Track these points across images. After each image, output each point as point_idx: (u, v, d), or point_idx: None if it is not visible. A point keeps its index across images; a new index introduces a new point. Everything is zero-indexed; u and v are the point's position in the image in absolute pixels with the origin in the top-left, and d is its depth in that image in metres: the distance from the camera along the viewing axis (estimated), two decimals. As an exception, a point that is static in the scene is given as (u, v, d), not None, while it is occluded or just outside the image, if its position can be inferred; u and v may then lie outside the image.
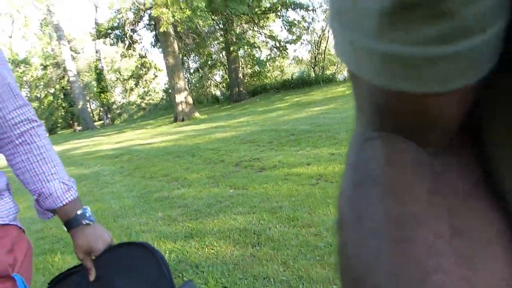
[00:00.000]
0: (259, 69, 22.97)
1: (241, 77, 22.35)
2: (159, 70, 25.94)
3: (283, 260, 2.29)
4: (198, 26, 15.93)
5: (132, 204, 4.27)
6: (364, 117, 0.30)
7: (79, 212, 0.95)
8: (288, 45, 23.04)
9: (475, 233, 0.23)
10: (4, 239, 0.86)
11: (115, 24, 19.65)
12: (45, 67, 36.66)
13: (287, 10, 21.44)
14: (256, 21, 21.97)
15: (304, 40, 23.64)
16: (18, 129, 0.92)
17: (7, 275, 0.85)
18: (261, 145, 6.58)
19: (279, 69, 26.29)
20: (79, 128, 33.98)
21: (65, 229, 0.97)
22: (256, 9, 20.52)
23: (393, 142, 0.27)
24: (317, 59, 23.65)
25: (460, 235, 0.23)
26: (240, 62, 22.04)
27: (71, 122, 38.60)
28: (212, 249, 2.64)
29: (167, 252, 2.69)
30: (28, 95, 41.52)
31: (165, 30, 15.49)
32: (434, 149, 0.27)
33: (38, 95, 40.17)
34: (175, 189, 4.60)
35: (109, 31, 20.18)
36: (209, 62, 25.36)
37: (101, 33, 20.23)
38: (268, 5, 20.84)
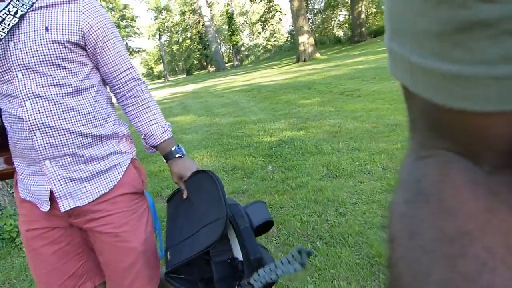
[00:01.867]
0: (381, 9, 22.75)
1: (364, 17, 22.64)
2: (284, 14, 27.53)
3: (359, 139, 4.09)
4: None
5: (264, 117, 6.39)
6: (418, 135, 0.30)
7: (173, 148, 1.26)
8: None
9: None
10: (139, 168, 1.27)
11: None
12: (183, 13, 41.21)
13: None
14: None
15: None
16: (128, 86, 1.22)
17: (142, 192, 1.26)
18: (364, 80, 8.06)
19: None
20: (212, 69, 38.28)
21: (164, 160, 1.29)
22: None
23: (447, 160, 0.27)
24: None
25: None
26: (362, 2, 22.25)
27: (205, 64, 43.34)
28: (312, 135, 4.55)
29: (287, 135, 4.70)
30: (169, 39, 47.42)
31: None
32: (490, 168, 0.26)
33: (177, 40, 45.66)
34: (293, 109, 6.58)
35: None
36: (332, 3, 25.87)
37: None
38: None
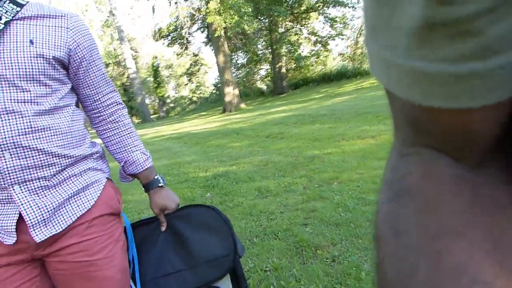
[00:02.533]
0: (299, 65, 25.17)
1: (284, 71, 24.75)
2: (209, 67, 29.03)
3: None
4: (245, 29, 18.49)
5: (197, 158, 6.91)
6: (399, 133, 0.31)
7: (156, 176, 1.22)
8: (329, 41, 25.10)
9: None
10: (115, 188, 1.16)
11: (173, 28, 22.82)
12: (107, 65, 41.13)
13: (328, 8, 23.46)
14: (298, 20, 24.25)
15: (344, 35, 25.44)
16: (110, 109, 1.16)
17: (119, 212, 1.15)
18: (287, 125, 9.04)
19: (322, 63, 28.32)
20: (137, 120, 38.09)
21: (144, 190, 1.22)
22: (298, 10, 22.80)
23: (429, 157, 0.28)
24: (355, 53, 25.45)
25: (500, 247, 0.23)
26: (283, 59, 24.43)
27: (130, 115, 42.94)
28: (243, 168, 5.16)
29: (216, 173, 5.26)
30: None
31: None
32: (472, 163, 0.27)
33: (100, 91, 44.87)
34: (224, 150, 7.20)
35: (168, 33, 23.44)
36: (255, 58, 27.93)
37: (160, 36, 23.56)
38: (312, 0, 23.02)
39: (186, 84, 38.22)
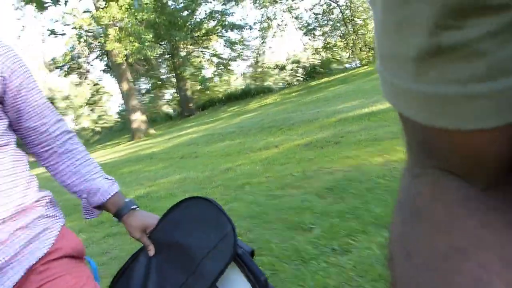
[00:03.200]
0: (204, 86, 25.97)
1: (190, 94, 25.28)
2: (111, 95, 28.41)
3: (195, 183, 5.27)
4: (147, 56, 18.71)
5: (114, 185, 7.07)
6: (411, 154, 0.31)
7: (126, 199, 1.09)
8: (231, 62, 26.36)
9: None
10: (73, 233, 1.05)
11: (70, 58, 22.02)
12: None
13: (227, 31, 24.71)
14: (199, 43, 25.11)
15: (245, 56, 26.90)
16: (60, 140, 1.04)
17: (83, 256, 1.04)
18: (199, 144, 9.56)
19: (226, 84, 29.45)
20: (32, 159, 35.22)
21: (115, 219, 1.08)
22: (198, 33, 23.66)
23: (439, 178, 0.28)
24: (257, 72, 27.06)
25: (510, 267, 0.23)
26: (187, 81, 24.98)
27: (28, 154, 39.49)
28: (163, 187, 5.55)
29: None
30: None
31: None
32: (483, 185, 0.27)
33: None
34: (140, 175, 7.46)
35: (63, 64, 22.55)
36: (159, 83, 28.07)
37: (55, 66, 22.58)
38: (211, 24, 24.03)
39: (88, 114, 36.58)
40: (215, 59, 26.63)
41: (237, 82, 29.98)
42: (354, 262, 2.17)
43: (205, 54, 26.48)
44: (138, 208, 1.11)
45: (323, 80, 19.35)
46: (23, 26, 23.64)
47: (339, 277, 2.07)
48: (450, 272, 0.24)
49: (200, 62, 26.12)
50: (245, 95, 23.29)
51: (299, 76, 24.20)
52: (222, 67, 26.81)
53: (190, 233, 1.05)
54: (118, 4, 17.27)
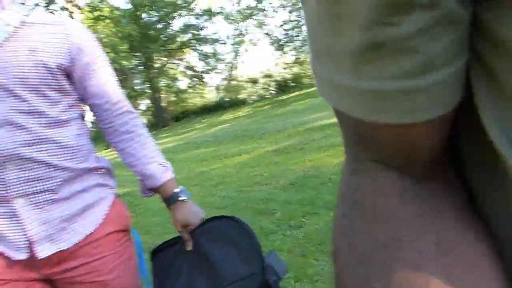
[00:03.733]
0: (179, 98, 26.44)
1: (165, 105, 25.68)
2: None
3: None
4: (122, 66, 19.09)
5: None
6: (350, 150, 0.32)
7: (176, 190, 1.12)
8: (204, 74, 27.00)
9: (462, 252, 0.25)
10: (123, 204, 1.14)
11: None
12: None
13: (200, 45, 25.37)
14: (173, 55, 25.65)
15: (218, 69, 27.59)
16: (121, 119, 1.08)
17: (129, 229, 1.12)
18: (175, 152, 10.07)
19: (200, 96, 29.99)
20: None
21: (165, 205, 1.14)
22: (172, 45, 24.22)
23: (376, 171, 0.29)
24: (230, 85, 27.81)
25: (446, 255, 0.24)
26: (161, 93, 25.40)
27: None
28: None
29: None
30: None
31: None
32: (418, 176, 0.28)
33: None
34: (120, 178, 7.89)
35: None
36: (133, 94, 28.33)
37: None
38: (186, 38, 24.64)
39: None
40: (189, 72, 27.21)
41: (211, 95, 30.61)
42: (304, 233, 2.82)
43: (179, 66, 27.04)
44: (187, 200, 1.13)
45: (294, 93, 20.20)
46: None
47: (292, 243, 2.71)
48: (389, 261, 0.25)
49: (174, 74, 26.63)
50: (219, 107, 23.89)
51: (272, 90, 25.06)
52: (196, 79, 27.40)
53: (224, 253, 1.06)
54: (93, 14, 17.66)
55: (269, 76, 26.59)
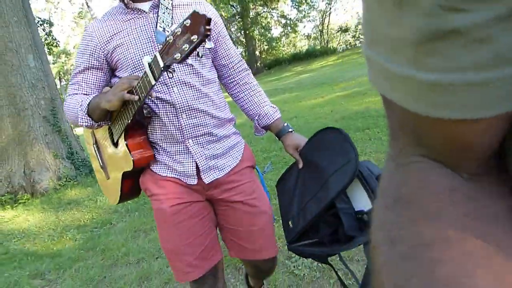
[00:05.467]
0: (271, 46, 27.75)
1: (258, 54, 27.31)
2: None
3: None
4: (222, 15, 20.89)
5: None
6: (397, 143, 0.31)
7: (285, 124, 1.41)
8: (297, 22, 27.81)
9: (509, 253, 0.23)
10: (250, 148, 1.44)
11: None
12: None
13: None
14: (268, 4, 26.77)
15: (311, 17, 28.13)
16: (241, 75, 1.41)
17: (255, 166, 1.43)
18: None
19: (292, 44, 30.98)
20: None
21: (276, 138, 1.42)
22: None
23: (426, 167, 0.28)
24: (322, 33, 28.28)
25: (493, 256, 0.23)
26: (256, 41, 26.96)
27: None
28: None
29: None
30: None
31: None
32: (469, 174, 0.27)
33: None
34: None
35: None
36: (230, 42, 30.32)
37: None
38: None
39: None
40: (282, 20, 28.21)
41: (302, 43, 31.37)
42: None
43: (272, 15, 28.14)
44: (292, 131, 1.41)
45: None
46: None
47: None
48: (435, 261, 0.24)
49: (268, 23, 27.88)
50: (309, 55, 24.78)
51: (362, 38, 25.04)
52: (289, 28, 28.35)
53: (324, 155, 1.28)
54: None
55: (360, 24, 26.46)
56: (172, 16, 1.24)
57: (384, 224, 0.29)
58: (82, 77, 1.28)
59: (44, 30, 12.89)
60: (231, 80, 1.41)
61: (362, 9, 0.26)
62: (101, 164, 1.47)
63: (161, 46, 1.02)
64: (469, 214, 0.25)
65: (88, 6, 35.18)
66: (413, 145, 0.29)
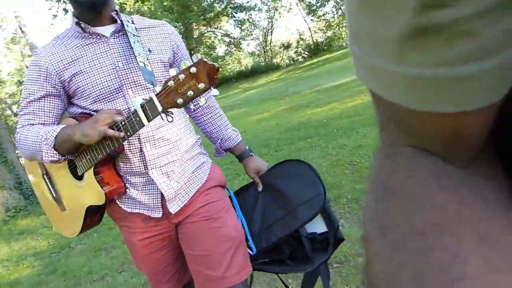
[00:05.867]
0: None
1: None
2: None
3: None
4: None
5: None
6: (386, 134, 0.31)
7: (246, 147, 1.46)
8: (241, 41, 28.55)
9: (503, 240, 0.24)
10: (218, 168, 1.43)
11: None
12: (21, 83, 40.32)
13: (236, 12, 26.77)
14: (211, 24, 27.30)
15: (254, 35, 28.99)
16: (205, 94, 1.34)
17: (225, 185, 1.42)
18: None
19: (237, 62, 31.63)
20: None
21: (237, 160, 1.47)
22: (209, 14, 25.83)
23: (415, 156, 0.28)
24: (266, 50, 29.21)
25: (487, 243, 0.23)
26: (201, 61, 27.27)
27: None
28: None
29: None
30: (2, 111, 44.97)
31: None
32: (459, 163, 0.27)
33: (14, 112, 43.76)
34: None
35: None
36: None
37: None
38: (221, 7, 26.15)
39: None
40: (226, 39, 28.83)
41: (246, 61, 32.11)
42: (284, 156, 4.61)
43: (216, 35, 28.69)
44: (253, 154, 1.47)
45: (324, 57, 21.39)
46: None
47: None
48: (428, 248, 0.24)
49: (212, 42, 28.36)
50: (254, 72, 25.43)
51: (304, 54, 26.22)
52: (233, 46, 29.01)
53: (292, 185, 1.35)
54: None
55: (301, 40, 27.69)
56: (141, 43, 1.22)
57: (374, 215, 0.29)
58: (38, 106, 1.21)
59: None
60: (194, 103, 1.41)
61: (345, 5, 0.27)
62: (54, 196, 1.37)
63: (160, 90, 1.03)
64: (460, 200, 0.25)
65: (22, 31, 33.89)
66: (402, 136, 0.29)
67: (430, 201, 0.25)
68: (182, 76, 0.99)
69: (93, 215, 1.30)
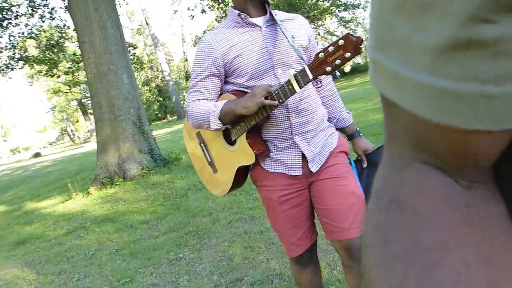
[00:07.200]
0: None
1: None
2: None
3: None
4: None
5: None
6: (396, 146, 0.30)
7: (357, 128, 1.67)
8: (343, 39, 28.92)
9: (505, 262, 0.24)
10: (343, 137, 1.66)
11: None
12: (142, 69, 45.36)
13: (340, 11, 27.29)
14: (314, 22, 28.22)
15: (357, 34, 29.09)
16: (326, 80, 1.63)
17: (348, 153, 1.61)
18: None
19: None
20: (173, 118, 41.96)
21: (347, 139, 1.67)
22: (313, 13, 26.75)
23: (425, 172, 0.28)
24: (366, 49, 29.21)
25: (489, 264, 0.23)
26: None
27: (160, 115, 47.04)
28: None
29: None
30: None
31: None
32: (468, 181, 0.27)
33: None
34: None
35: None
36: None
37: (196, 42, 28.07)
38: (326, 4, 26.91)
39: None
40: (329, 37, 29.51)
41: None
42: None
43: (319, 33, 29.53)
44: (362, 136, 1.68)
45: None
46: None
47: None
48: (431, 265, 0.24)
49: (315, 38, 29.21)
50: (353, 71, 25.86)
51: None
52: (336, 44, 29.49)
53: None
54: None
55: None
56: (287, 31, 1.42)
57: (378, 225, 0.28)
58: (203, 85, 1.47)
59: (129, 52, 15.12)
60: (320, 85, 1.62)
61: (371, 11, 0.26)
62: (208, 160, 1.68)
63: (311, 61, 1.26)
64: (466, 221, 0.25)
65: (147, 24, 38.20)
66: (414, 149, 0.29)
67: (436, 219, 0.26)
68: (331, 48, 1.17)
69: (240, 176, 1.59)
